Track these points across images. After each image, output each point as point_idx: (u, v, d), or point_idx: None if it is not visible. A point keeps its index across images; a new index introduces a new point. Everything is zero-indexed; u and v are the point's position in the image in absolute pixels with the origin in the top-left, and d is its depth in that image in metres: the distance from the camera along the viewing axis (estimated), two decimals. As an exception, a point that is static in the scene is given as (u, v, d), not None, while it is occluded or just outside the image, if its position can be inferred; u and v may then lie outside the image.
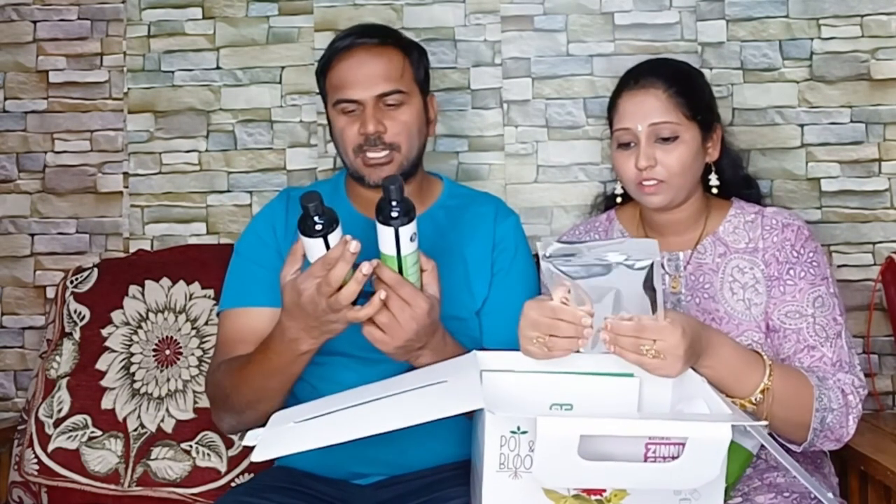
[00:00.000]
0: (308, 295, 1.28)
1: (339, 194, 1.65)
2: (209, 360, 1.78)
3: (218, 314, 1.59)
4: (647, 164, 1.44)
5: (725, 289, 1.48)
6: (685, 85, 1.48)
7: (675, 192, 1.47)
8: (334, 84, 1.55)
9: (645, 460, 1.09)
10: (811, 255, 1.45)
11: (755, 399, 1.29)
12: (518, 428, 1.10)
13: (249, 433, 1.21)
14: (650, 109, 1.45)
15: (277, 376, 1.39)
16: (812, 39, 2.02)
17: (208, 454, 1.74)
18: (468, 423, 1.36)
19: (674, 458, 1.08)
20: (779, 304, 1.44)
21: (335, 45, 1.57)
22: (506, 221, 1.64)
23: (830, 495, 1.19)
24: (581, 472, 1.06)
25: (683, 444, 1.07)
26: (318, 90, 1.65)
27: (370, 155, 1.52)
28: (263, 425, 1.25)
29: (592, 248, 1.21)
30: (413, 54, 1.59)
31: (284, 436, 1.20)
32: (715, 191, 1.53)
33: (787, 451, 1.38)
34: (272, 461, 1.66)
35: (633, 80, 1.50)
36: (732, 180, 1.58)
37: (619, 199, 1.61)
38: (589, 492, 1.10)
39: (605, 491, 1.10)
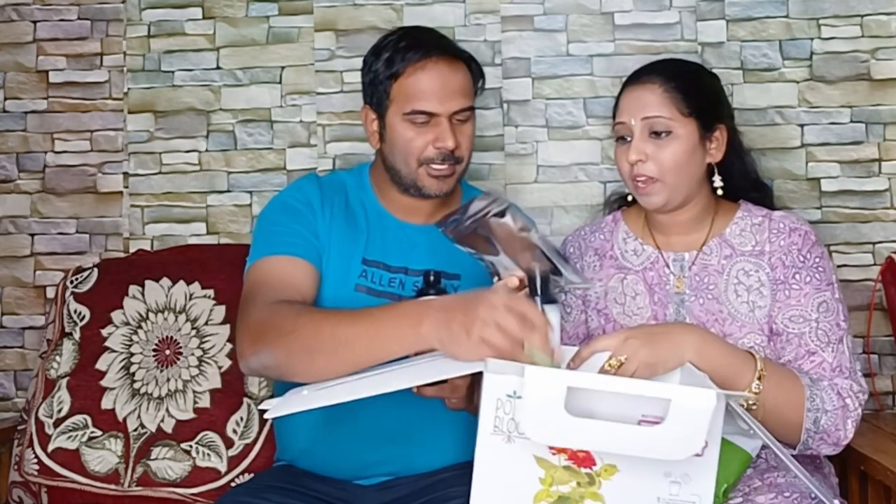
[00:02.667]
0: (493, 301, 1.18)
1: (366, 190, 1.63)
2: (209, 360, 1.78)
3: (249, 266, 1.53)
4: (636, 159, 1.45)
5: (730, 290, 1.48)
6: (685, 81, 1.48)
7: (670, 192, 1.46)
8: (411, 93, 1.52)
9: None
10: (817, 260, 1.45)
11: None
12: (514, 392, 1.10)
13: (266, 402, 1.23)
14: (645, 103, 1.46)
15: (371, 341, 1.28)
16: (812, 39, 2.02)
17: (208, 454, 1.74)
18: (471, 425, 1.36)
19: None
20: (783, 307, 1.44)
21: (412, 50, 1.53)
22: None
23: (837, 502, 1.20)
24: (566, 428, 1.07)
25: None
26: (369, 90, 1.59)
27: (437, 167, 1.53)
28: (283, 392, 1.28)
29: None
30: (476, 72, 1.59)
31: (298, 399, 1.23)
32: (719, 192, 1.53)
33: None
34: (272, 460, 1.66)
35: (635, 76, 1.52)
36: (741, 183, 1.57)
37: (630, 198, 1.60)
38: (579, 463, 1.11)
39: (595, 464, 1.11)
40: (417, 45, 1.54)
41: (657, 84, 1.47)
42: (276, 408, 1.19)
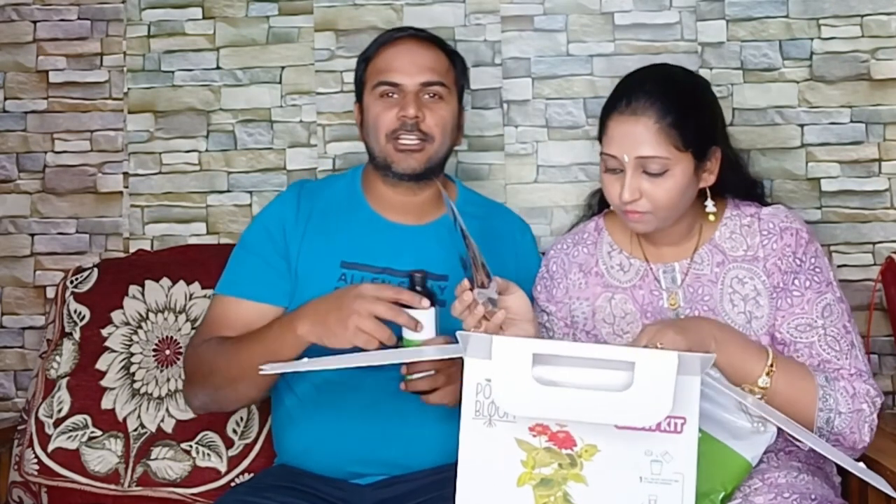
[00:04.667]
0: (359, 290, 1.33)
1: (356, 193, 1.64)
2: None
3: (213, 294, 1.61)
4: (631, 198, 1.38)
5: (725, 301, 1.45)
6: (681, 112, 1.37)
7: (661, 222, 1.42)
8: (379, 68, 1.56)
9: None
10: (813, 260, 1.43)
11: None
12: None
13: (266, 365, 1.27)
14: (639, 141, 1.36)
15: (267, 357, 1.36)
16: (812, 39, 2.02)
17: (208, 454, 1.74)
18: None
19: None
20: (787, 316, 1.42)
21: (384, 35, 1.61)
22: (525, 237, 1.71)
23: (863, 465, 1.20)
24: (535, 397, 1.08)
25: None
26: (356, 83, 1.65)
27: (403, 140, 1.52)
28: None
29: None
30: (458, 63, 1.62)
31: (295, 364, 1.28)
32: (711, 218, 1.47)
33: (796, 446, 1.39)
34: (272, 460, 1.66)
35: (625, 100, 1.39)
36: (735, 189, 1.52)
37: None
38: (560, 444, 1.12)
39: (576, 444, 1.12)
40: (393, 32, 1.61)
41: (652, 119, 1.36)
42: (273, 367, 1.26)
